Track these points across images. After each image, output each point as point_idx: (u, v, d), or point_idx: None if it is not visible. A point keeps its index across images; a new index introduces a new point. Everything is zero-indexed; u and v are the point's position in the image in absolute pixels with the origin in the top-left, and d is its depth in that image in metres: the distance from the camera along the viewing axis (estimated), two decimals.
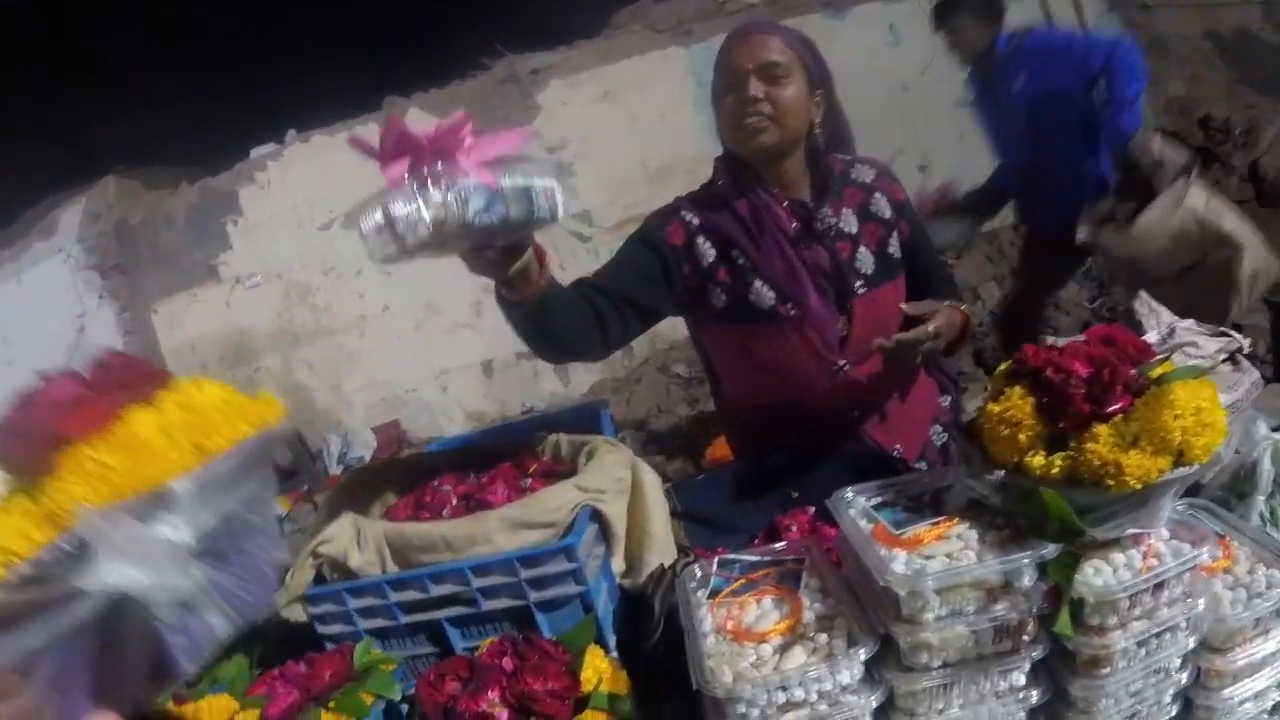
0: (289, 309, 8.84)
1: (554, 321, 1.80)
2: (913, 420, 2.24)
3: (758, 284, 2.06)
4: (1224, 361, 2.34)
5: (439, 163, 1.34)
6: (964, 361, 6.08)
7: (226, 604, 0.97)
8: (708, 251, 2.09)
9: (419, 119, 8.27)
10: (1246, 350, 1.80)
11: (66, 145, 9.70)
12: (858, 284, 2.09)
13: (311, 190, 8.44)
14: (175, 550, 0.92)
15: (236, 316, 8.92)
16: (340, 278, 8.66)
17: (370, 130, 8.28)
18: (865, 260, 2.10)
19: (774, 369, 2.13)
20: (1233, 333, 2.36)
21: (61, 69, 10.14)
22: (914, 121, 8.24)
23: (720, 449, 4.57)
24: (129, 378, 1.01)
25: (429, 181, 1.32)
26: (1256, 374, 1.66)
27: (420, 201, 1.31)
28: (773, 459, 2.09)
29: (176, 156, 9.84)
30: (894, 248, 2.15)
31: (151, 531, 0.91)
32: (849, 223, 2.11)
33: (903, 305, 2.04)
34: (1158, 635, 1.19)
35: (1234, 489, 1.47)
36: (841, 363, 2.10)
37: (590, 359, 2.10)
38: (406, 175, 1.33)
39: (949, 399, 2.36)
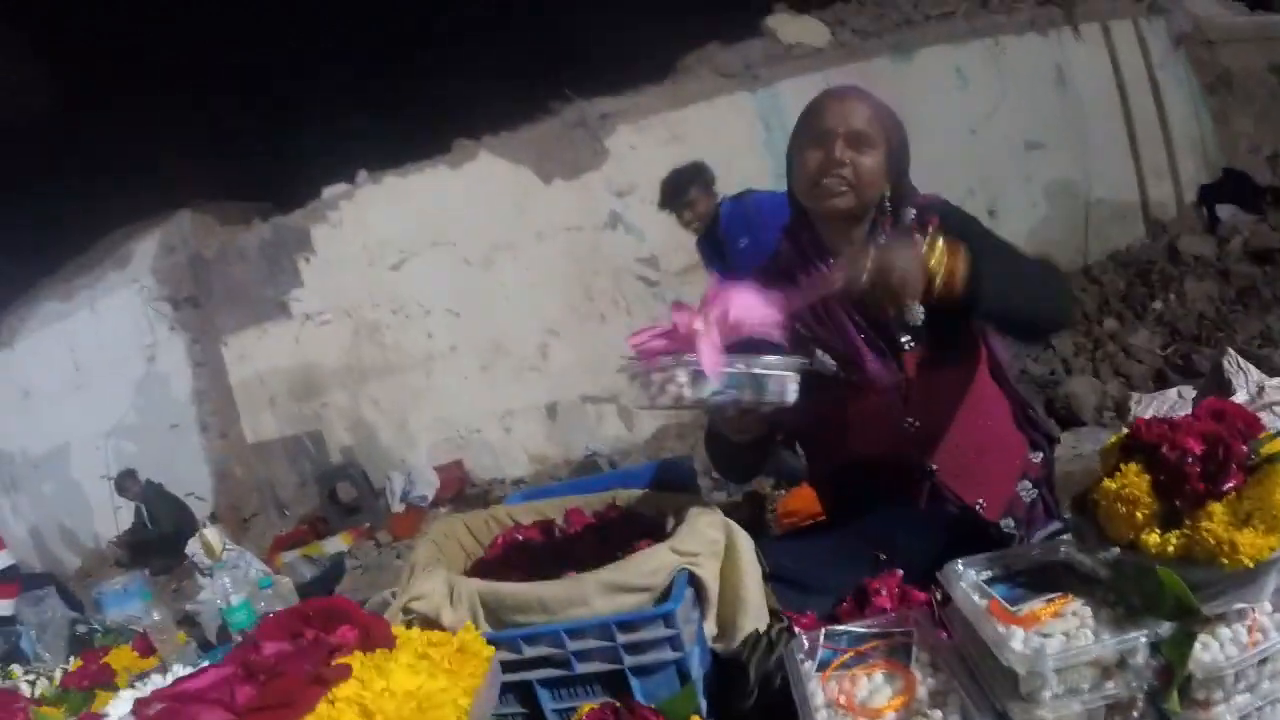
0: (357, 346, 8.97)
1: (753, 455, 2.05)
2: (994, 474, 2.19)
3: (819, 354, 2.08)
4: None
5: (690, 349, 1.59)
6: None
7: None
8: None
9: (486, 163, 8.39)
10: None
11: (143, 177, 9.93)
12: (905, 339, 2.07)
13: (383, 230, 8.59)
14: None
15: (305, 352, 9.07)
16: (409, 317, 8.78)
17: (439, 172, 8.45)
18: (914, 313, 2.06)
19: (849, 429, 2.15)
20: None
21: (140, 104, 10.40)
22: (981, 165, 8.22)
23: (793, 501, 4.54)
24: (285, 687, 0.86)
25: (678, 364, 1.59)
26: None
27: (671, 377, 1.59)
28: (859, 521, 2.09)
29: (250, 193, 10.05)
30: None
31: None
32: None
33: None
34: (1259, 709, 1.18)
35: None
36: (911, 419, 2.10)
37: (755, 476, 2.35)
38: (663, 354, 1.62)
39: (1040, 455, 2.31)
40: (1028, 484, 2.23)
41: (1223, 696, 1.15)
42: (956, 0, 8.77)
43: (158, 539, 8.56)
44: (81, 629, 3.57)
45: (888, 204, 2.09)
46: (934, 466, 2.14)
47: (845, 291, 1.81)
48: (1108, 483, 1.22)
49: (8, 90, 10.20)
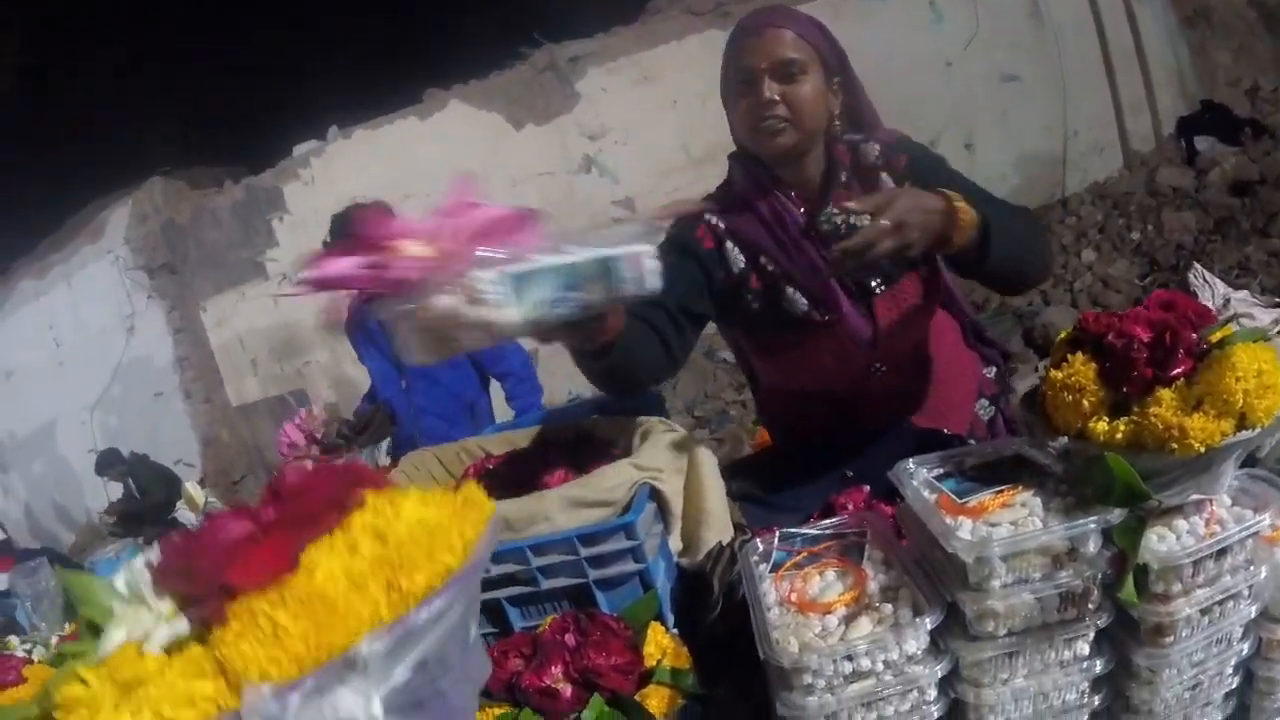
0: (336, 303, 8.91)
1: (629, 361, 1.71)
2: (955, 401, 2.18)
3: (789, 291, 1.99)
4: (1279, 334, 2.30)
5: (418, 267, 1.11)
6: (1013, 341, 6.05)
7: None
8: (738, 258, 2.01)
9: (457, 112, 8.31)
10: None
11: (110, 147, 9.81)
12: (874, 283, 1.99)
13: (355, 185, 8.45)
14: None
15: (285, 312, 9.01)
16: None
17: (410, 124, 8.34)
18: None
19: (812, 372, 2.08)
20: None
21: (104, 72, 10.27)
22: (958, 99, 8.17)
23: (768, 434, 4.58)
24: (308, 506, 0.88)
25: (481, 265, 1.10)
26: None
27: (472, 294, 1.09)
28: (825, 440, 2.07)
29: (220, 156, 9.96)
30: None
31: (333, 707, 0.79)
32: (859, 215, 2.00)
33: (847, 205, 1.64)
34: (1220, 603, 1.18)
35: None
36: (879, 365, 2.05)
37: (660, 381, 2.00)
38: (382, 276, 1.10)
39: (994, 369, 2.29)
40: (985, 402, 2.22)
41: (1181, 590, 1.15)
42: None
43: (148, 508, 8.50)
44: None
45: (837, 125, 1.99)
46: (898, 407, 2.12)
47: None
48: (1054, 373, 1.21)
49: None
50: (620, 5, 8.47)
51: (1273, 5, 9.46)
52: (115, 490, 8.96)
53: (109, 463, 8.85)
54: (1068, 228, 8.03)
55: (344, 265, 1.08)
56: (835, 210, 1.90)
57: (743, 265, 2.01)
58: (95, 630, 0.86)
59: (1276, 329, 2.31)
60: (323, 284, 1.09)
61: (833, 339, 2.00)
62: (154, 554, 0.90)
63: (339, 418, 4.04)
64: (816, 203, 1.97)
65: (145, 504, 8.54)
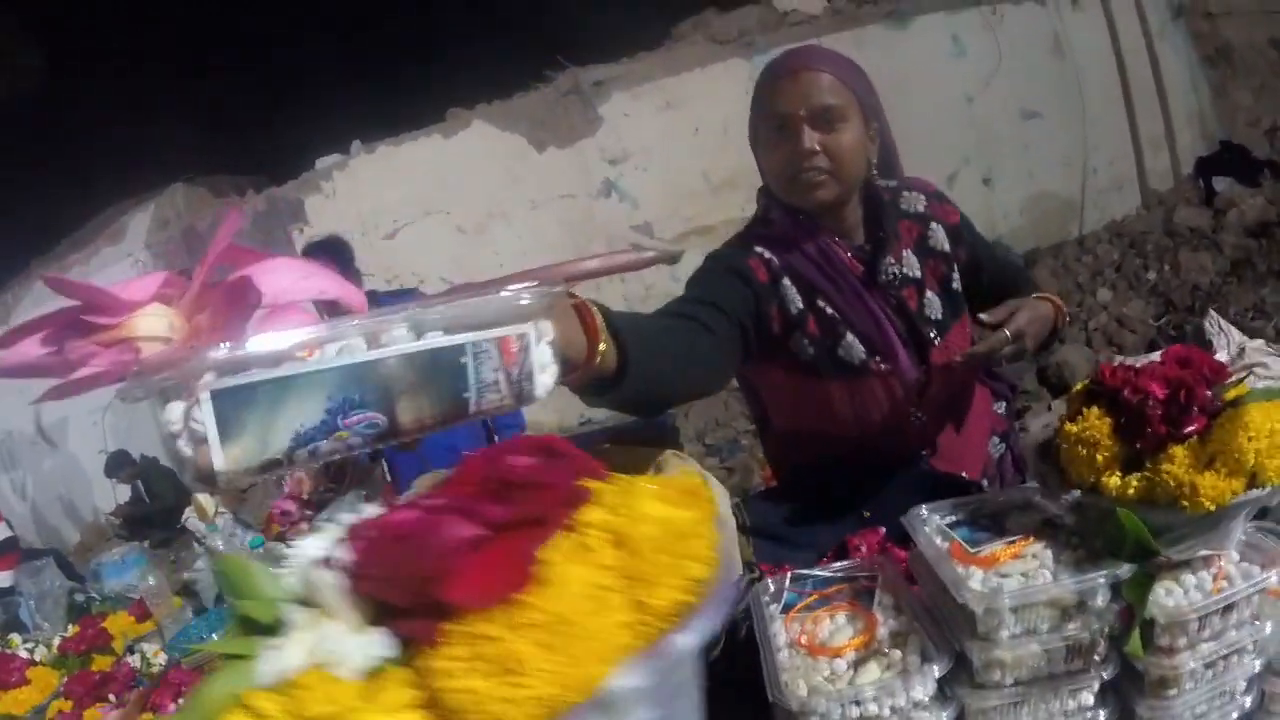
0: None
1: (645, 392, 1.38)
2: (973, 442, 2.12)
3: (849, 337, 1.88)
4: None
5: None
6: (1027, 379, 6.03)
7: None
8: (794, 297, 1.88)
9: (480, 131, 8.35)
10: None
11: (134, 152, 9.88)
12: (931, 333, 1.92)
13: (376, 200, 8.56)
14: None
15: None
16: (404, 286, 8.76)
17: (433, 141, 8.40)
18: (933, 305, 1.94)
19: (850, 418, 1.97)
20: None
21: (130, 78, 10.35)
22: (978, 133, 8.18)
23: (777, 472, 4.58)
24: (539, 504, 0.73)
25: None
26: None
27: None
28: (843, 480, 2.03)
29: (243, 166, 10.02)
30: (956, 282, 1.97)
31: None
32: (910, 265, 1.92)
33: (981, 316, 1.76)
34: (1225, 657, 1.19)
35: None
36: (920, 414, 1.97)
37: (715, 389, 1.79)
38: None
39: (1003, 404, 2.24)
40: (996, 439, 2.18)
41: (1186, 643, 1.16)
42: None
43: (157, 512, 8.53)
44: (80, 598, 3.60)
45: (875, 171, 1.90)
46: (926, 452, 2.05)
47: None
48: (1069, 426, 1.22)
49: None
50: (645, 30, 8.53)
51: None
52: (124, 493, 9.00)
53: (119, 464, 8.90)
54: (1084, 266, 8.03)
55: (27, 350, 0.77)
56: (891, 259, 1.90)
57: (800, 306, 1.89)
58: (251, 627, 0.74)
59: None
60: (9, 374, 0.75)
61: (884, 388, 1.93)
62: (338, 546, 0.74)
63: (321, 476, 3.97)
64: (874, 252, 1.91)
65: (155, 508, 8.58)
